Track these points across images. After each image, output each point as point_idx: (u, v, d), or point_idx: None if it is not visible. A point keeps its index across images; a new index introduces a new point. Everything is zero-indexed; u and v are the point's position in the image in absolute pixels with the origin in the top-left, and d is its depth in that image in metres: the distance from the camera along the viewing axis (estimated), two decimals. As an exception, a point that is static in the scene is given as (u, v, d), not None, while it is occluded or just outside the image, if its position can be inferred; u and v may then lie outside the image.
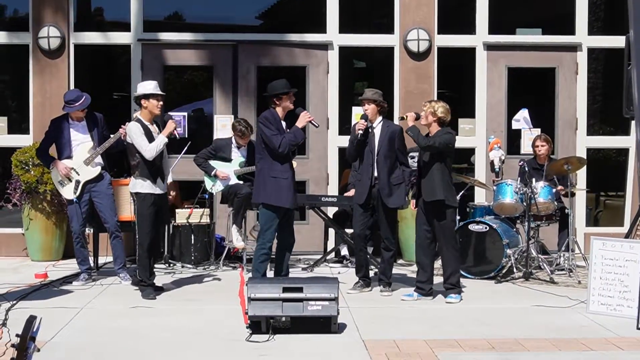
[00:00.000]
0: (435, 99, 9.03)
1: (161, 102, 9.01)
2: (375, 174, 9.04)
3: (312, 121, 8.71)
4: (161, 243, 9.88)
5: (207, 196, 11.10)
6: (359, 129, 8.98)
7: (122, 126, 9.59)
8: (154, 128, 9.01)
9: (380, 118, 9.15)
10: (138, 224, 9.00)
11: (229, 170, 10.80)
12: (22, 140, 11.71)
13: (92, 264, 10.12)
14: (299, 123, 8.60)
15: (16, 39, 11.98)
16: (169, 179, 9.26)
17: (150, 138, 8.89)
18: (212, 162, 10.83)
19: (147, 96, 8.96)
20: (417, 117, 8.92)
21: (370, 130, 9.07)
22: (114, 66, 13.11)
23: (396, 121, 9.94)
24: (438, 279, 9.16)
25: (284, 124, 8.65)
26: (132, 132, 8.91)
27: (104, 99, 12.95)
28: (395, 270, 9.90)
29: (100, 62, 13.02)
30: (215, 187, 10.80)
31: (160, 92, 9.02)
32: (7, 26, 12.37)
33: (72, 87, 11.72)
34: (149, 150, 8.84)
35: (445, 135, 8.73)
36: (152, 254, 9.07)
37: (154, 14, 12.30)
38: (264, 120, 8.57)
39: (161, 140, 8.91)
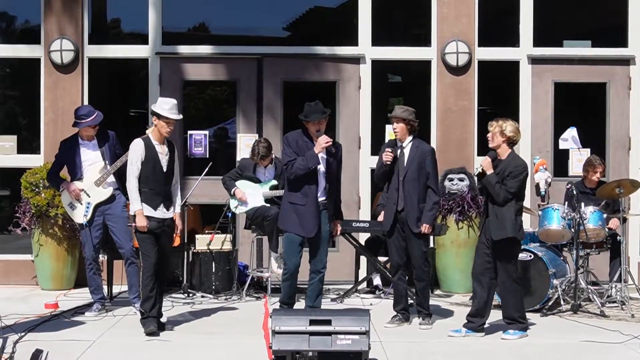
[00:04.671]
0: (503, 118, 8.81)
1: (172, 126, 8.93)
2: (402, 198, 9.06)
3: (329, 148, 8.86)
4: (167, 272, 9.50)
5: (229, 215, 11.11)
6: (386, 161, 9.06)
7: None
8: (162, 149, 8.94)
9: (410, 138, 9.17)
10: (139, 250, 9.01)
11: (257, 191, 10.78)
12: (33, 161, 11.80)
13: (105, 294, 10.16)
14: (316, 148, 8.79)
15: (27, 52, 12.11)
16: (177, 208, 9.10)
17: (153, 161, 8.85)
18: (241, 183, 10.80)
19: (159, 115, 8.93)
20: (494, 159, 8.74)
21: (399, 152, 9.10)
22: (131, 81, 13.21)
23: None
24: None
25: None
26: (130, 150, 8.94)
27: (120, 116, 13.06)
28: (433, 301, 9.87)
29: (116, 77, 13.12)
30: (240, 207, 10.81)
31: (173, 117, 8.88)
32: (17, 38, 12.52)
33: (86, 103, 11.79)
34: (130, 178, 8.89)
35: (518, 175, 8.59)
36: (154, 284, 8.86)
37: (173, 26, 12.39)
38: (285, 140, 9.04)
39: (133, 201, 8.86)
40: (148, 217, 8.82)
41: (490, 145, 8.74)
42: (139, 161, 8.82)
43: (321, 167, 8.89)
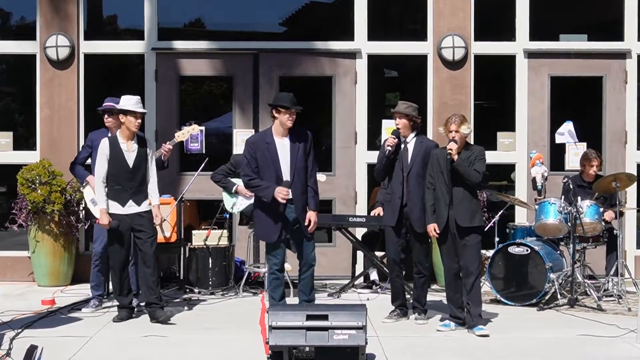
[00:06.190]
0: (456, 114, 8.86)
1: (139, 121, 9.13)
2: (406, 193, 9.04)
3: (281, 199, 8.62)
4: (151, 264, 9.27)
5: (227, 216, 11.13)
6: (388, 145, 8.97)
7: (164, 145, 9.70)
8: (128, 146, 9.11)
9: (413, 133, 9.14)
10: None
11: None
12: (29, 157, 11.79)
13: (104, 290, 10.14)
14: (276, 194, 8.56)
15: (23, 49, 12.09)
16: (155, 200, 9.25)
17: (118, 159, 9.05)
18: (237, 180, 10.79)
19: (125, 112, 9.09)
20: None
21: (402, 146, 9.07)
22: (127, 77, 13.18)
23: (430, 136, 9.91)
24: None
25: (280, 142, 8.69)
26: (99, 148, 9.18)
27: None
28: (430, 297, 9.88)
29: (112, 73, 13.10)
30: (236, 206, 10.80)
31: (140, 110, 9.13)
32: (13, 35, 12.51)
33: (82, 99, 11.87)
34: (96, 178, 9.16)
35: (483, 155, 8.76)
36: (122, 275, 9.30)
37: (169, 21, 12.39)
38: (245, 147, 8.85)
39: (98, 203, 9.15)
40: (113, 215, 9.07)
41: (456, 146, 8.66)
42: (104, 161, 9.08)
43: (285, 163, 8.67)
